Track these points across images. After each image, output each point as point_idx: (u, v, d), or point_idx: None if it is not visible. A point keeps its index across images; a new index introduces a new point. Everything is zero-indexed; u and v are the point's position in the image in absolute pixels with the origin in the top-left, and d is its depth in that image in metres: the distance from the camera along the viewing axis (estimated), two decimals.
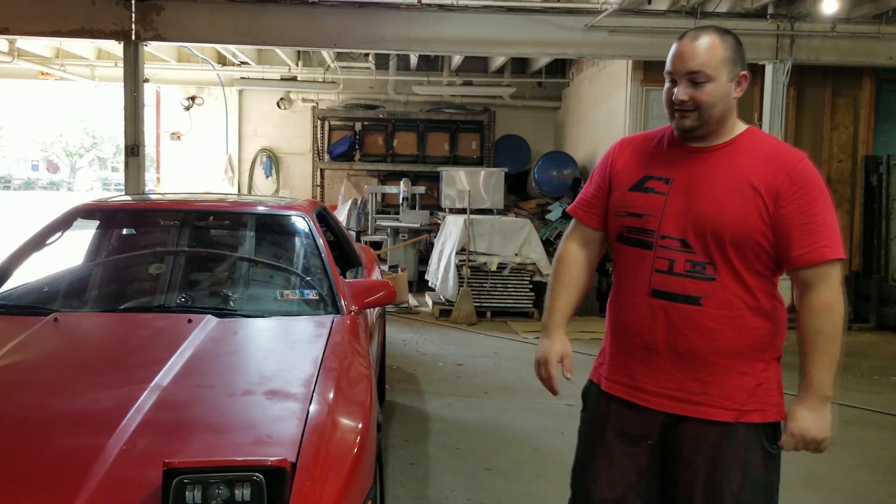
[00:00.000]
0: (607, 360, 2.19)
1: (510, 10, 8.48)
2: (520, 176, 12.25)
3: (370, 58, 12.34)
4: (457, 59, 12.00)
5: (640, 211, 2.07)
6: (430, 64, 12.70)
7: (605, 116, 10.92)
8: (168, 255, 3.66)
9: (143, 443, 2.10)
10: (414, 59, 12.40)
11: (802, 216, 1.95)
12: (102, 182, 49.40)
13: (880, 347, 8.02)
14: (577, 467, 2.26)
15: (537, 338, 8.19)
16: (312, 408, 2.34)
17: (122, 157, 8.91)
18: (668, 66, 2.02)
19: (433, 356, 6.99)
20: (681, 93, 1.98)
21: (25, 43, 11.09)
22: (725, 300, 1.98)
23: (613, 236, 2.17)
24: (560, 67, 12.84)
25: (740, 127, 2.07)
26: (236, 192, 13.08)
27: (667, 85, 2.04)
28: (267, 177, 13.33)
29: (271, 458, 1.99)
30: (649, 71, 9.85)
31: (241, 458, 1.99)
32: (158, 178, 13.70)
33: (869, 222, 9.41)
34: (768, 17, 8.64)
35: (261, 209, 4.09)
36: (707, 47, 1.97)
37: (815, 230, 1.95)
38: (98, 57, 12.17)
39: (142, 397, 2.32)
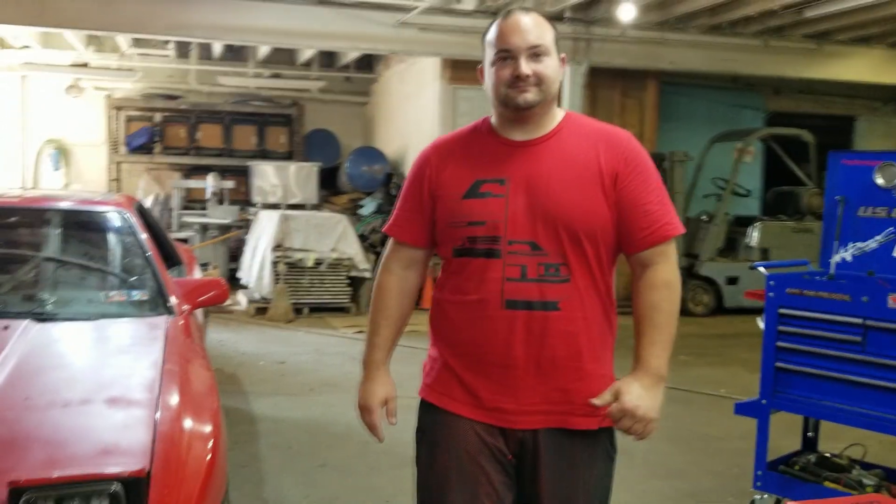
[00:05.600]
0: (450, 381, 1.98)
1: (322, 2, 8.40)
2: (330, 171, 12.17)
3: (170, 45, 11.73)
4: (264, 50, 11.69)
5: (482, 218, 1.90)
6: (236, 54, 12.28)
7: (416, 112, 11.09)
8: None
9: None
10: (218, 48, 11.94)
11: (641, 195, 1.90)
12: None
13: None
14: (427, 502, 2.01)
15: (357, 332, 8.03)
16: (160, 414, 2.23)
17: None
18: (502, 45, 1.89)
19: (253, 355, 6.81)
20: (525, 66, 1.87)
21: None
22: (581, 301, 1.90)
23: (450, 251, 1.97)
24: (369, 63, 12.86)
25: (561, 113, 1.99)
26: (20, 188, 11.96)
27: (496, 67, 1.91)
28: (55, 170, 12.31)
29: (127, 469, 1.88)
30: (457, 69, 10.08)
31: (94, 471, 1.87)
32: None
33: None
34: (566, 20, 9.10)
35: (79, 205, 3.79)
36: (540, 22, 1.92)
37: (654, 209, 1.91)
38: None
39: None
